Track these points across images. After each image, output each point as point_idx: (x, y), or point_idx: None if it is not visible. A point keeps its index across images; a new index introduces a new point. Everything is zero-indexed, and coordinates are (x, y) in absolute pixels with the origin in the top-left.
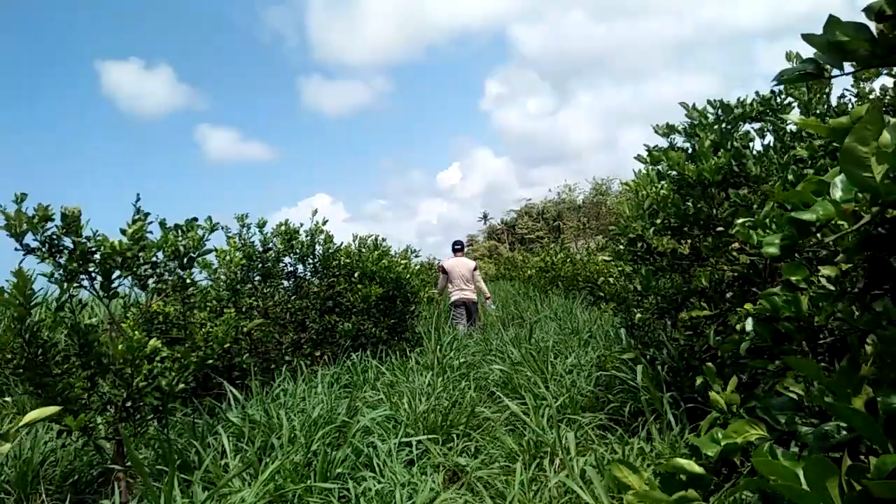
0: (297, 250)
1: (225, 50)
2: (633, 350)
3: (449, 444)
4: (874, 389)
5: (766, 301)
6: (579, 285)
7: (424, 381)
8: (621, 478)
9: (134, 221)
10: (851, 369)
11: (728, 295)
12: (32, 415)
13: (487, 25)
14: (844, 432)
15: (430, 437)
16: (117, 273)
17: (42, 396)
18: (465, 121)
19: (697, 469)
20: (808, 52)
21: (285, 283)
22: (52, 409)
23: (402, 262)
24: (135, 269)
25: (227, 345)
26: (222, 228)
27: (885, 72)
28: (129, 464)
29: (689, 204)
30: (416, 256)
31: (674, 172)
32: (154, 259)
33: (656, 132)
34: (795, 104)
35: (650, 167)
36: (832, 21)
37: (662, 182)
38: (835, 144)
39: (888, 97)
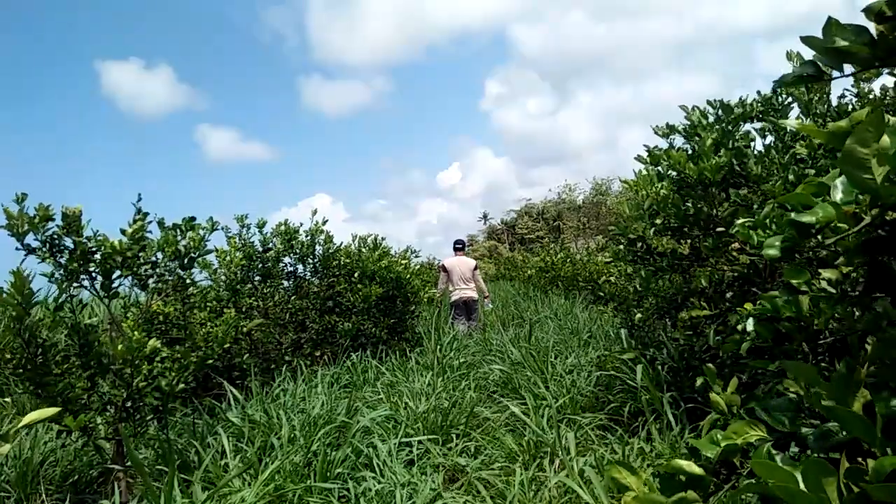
0: (297, 250)
1: (225, 50)
2: (633, 350)
3: (449, 444)
4: (872, 393)
5: (766, 302)
6: (579, 285)
7: (424, 381)
8: (620, 479)
9: (134, 221)
10: (849, 372)
11: (728, 295)
12: (32, 416)
13: (487, 25)
14: (844, 432)
15: (430, 437)
16: (118, 273)
17: (42, 396)
18: (465, 121)
19: (697, 470)
20: (808, 50)
21: (285, 283)
22: (52, 411)
23: (403, 262)
24: (135, 269)
25: (227, 345)
26: (222, 229)
27: (886, 71)
28: (129, 464)
29: (689, 204)
30: (416, 256)
31: (674, 173)
32: (154, 259)
33: (656, 133)
34: (796, 104)
35: (650, 167)
36: (831, 23)
37: (662, 182)
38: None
39: (889, 97)
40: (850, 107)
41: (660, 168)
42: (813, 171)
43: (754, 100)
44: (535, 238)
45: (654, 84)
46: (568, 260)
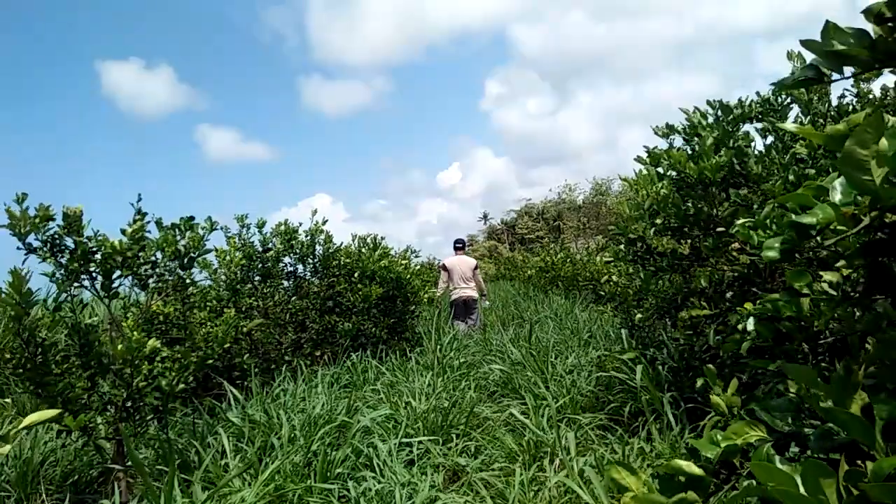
0: (297, 250)
1: (225, 50)
2: (633, 350)
3: (449, 444)
4: (870, 394)
5: (768, 303)
6: (579, 285)
7: (424, 381)
8: (619, 479)
9: (134, 221)
10: (847, 374)
11: (728, 295)
12: (32, 417)
13: (487, 25)
14: (845, 433)
15: (430, 437)
16: (118, 273)
17: (42, 396)
18: (465, 121)
19: (696, 471)
20: (807, 50)
21: (285, 283)
22: (52, 413)
23: (403, 262)
24: (135, 269)
25: (227, 345)
26: (222, 228)
27: (887, 70)
28: (129, 464)
29: (690, 204)
30: (416, 257)
31: (674, 172)
32: (154, 259)
33: (656, 133)
34: (795, 105)
35: (650, 167)
36: (830, 27)
37: (662, 182)
38: None
39: (889, 97)
40: (851, 107)
41: (660, 168)
42: (813, 171)
43: (752, 101)
44: (535, 238)
45: (654, 84)
46: (568, 260)
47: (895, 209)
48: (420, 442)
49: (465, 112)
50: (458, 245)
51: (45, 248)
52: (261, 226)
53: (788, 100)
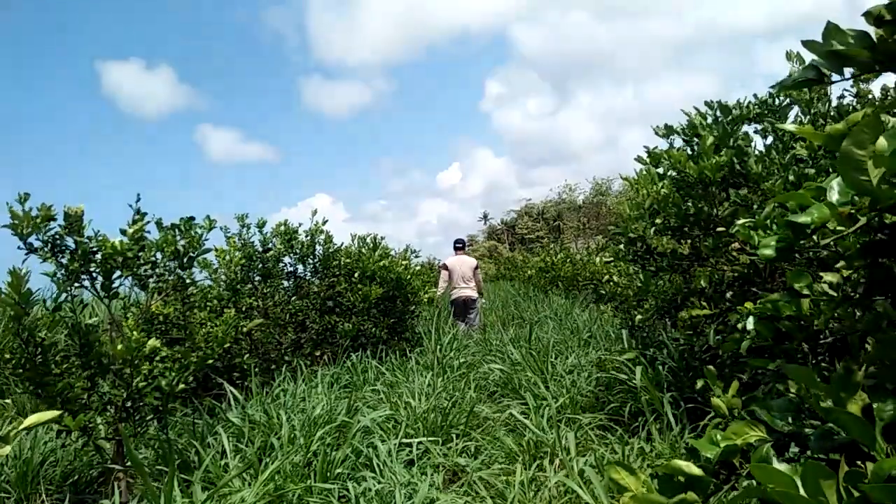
0: (297, 250)
1: (225, 50)
2: (633, 350)
3: (449, 444)
4: (870, 395)
5: (767, 303)
6: (579, 285)
7: (424, 382)
8: (619, 479)
9: (134, 222)
10: (847, 374)
11: (728, 295)
12: (33, 419)
13: (487, 25)
14: (845, 433)
15: (430, 437)
16: (118, 273)
17: (42, 396)
18: (465, 121)
19: (696, 471)
20: (807, 51)
21: (285, 283)
22: (52, 414)
23: (403, 262)
24: (135, 270)
25: (227, 345)
26: (221, 228)
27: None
28: (129, 464)
29: (690, 204)
30: (417, 257)
31: (674, 172)
32: (154, 259)
33: (657, 133)
34: (795, 105)
35: (650, 167)
36: (831, 28)
37: (663, 182)
38: None
39: (889, 97)
40: (851, 107)
41: (660, 168)
42: (813, 171)
43: (751, 101)
44: (535, 238)
45: (654, 84)
46: (568, 260)
47: (895, 209)
48: (420, 442)
49: (465, 112)
50: (458, 245)
51: (45, 249)
52: (261, 226)
53: (787, 101)
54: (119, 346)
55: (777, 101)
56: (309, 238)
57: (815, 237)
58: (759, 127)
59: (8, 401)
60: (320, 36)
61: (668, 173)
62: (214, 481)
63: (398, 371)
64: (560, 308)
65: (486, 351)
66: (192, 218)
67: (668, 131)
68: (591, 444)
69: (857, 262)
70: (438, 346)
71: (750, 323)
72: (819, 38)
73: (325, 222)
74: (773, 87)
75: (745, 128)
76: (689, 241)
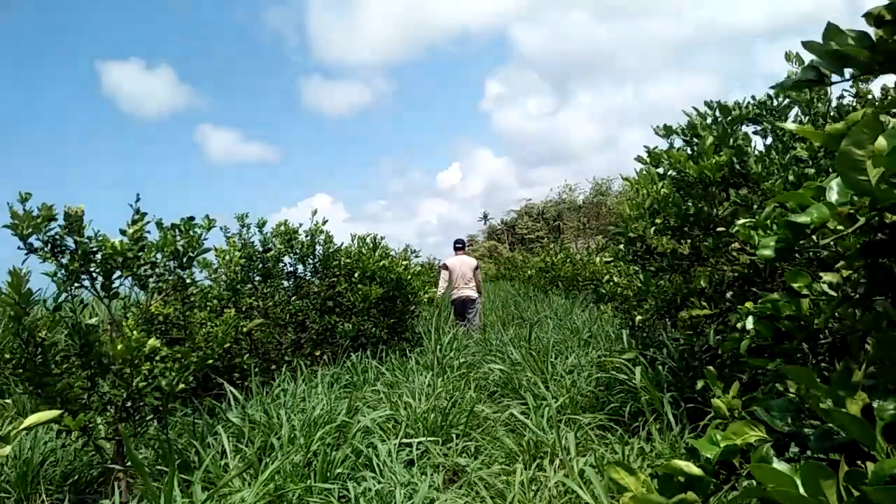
0: (297, 250)
1: (225, 50)
2: (633, 350)
3: (449, 444)
4: (870, 395)
5: (767, 303)
6: (580, 285)
7: (424, 382)
8: (619, 479)
9: (134, 222)
10: (847, 374)
11: (728, 295)
12: (33, 418)
13: (487, 25)
14: (845, 433)
15: (430, 437)
16: (118, 273)
17: (42, 396)
18: (465, 121)
19: (696, 471)
20: (807, 51)
21: (285, 283)
22: (52, 413)
23: (403, 262)
24: (135, 270)
25: (227, 345)
26: (221, 228)
27: None
28: (129, 464)
29: (690, 204)
30: (416, 256)
31: (674, 172)
32: (154, 259)
33: (657, 133)
34: (795, 105)
35: (650, 167)
36: (831, 28)
37: (663, 181)
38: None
39: (889, 97)
40: (850, 107)
41: (660, 168)
42: (813, 171)
43: (750, 102)
44: (535, 238)
45: (654, 84)
46: (568, 260)
47: (895, 209)
48: (420, 442)
49: (465, 112)
50: (458, 245)
51: (46, 249)
52: (261, 225)
53: (785, 102)
54: (119, 346)
55: (776, 102)
56: (309, 238)
57: (814, 237)
58: (759, 128)
59: (8, 401)
60: (320, 36)
61: (668, 173)
62: (214, 481)
63: (398, 371)
64: (560, 308)
65: (486, 351)
66: (192, 218)
67: (668, 131)
68: (591, 444)
69: (857, 262)
70: (438, 346)
71: (749, 322)
72: (819, 39)
73: (325, 222)
74: (773, 86)
75: (744, 128)
76: (689, 241)
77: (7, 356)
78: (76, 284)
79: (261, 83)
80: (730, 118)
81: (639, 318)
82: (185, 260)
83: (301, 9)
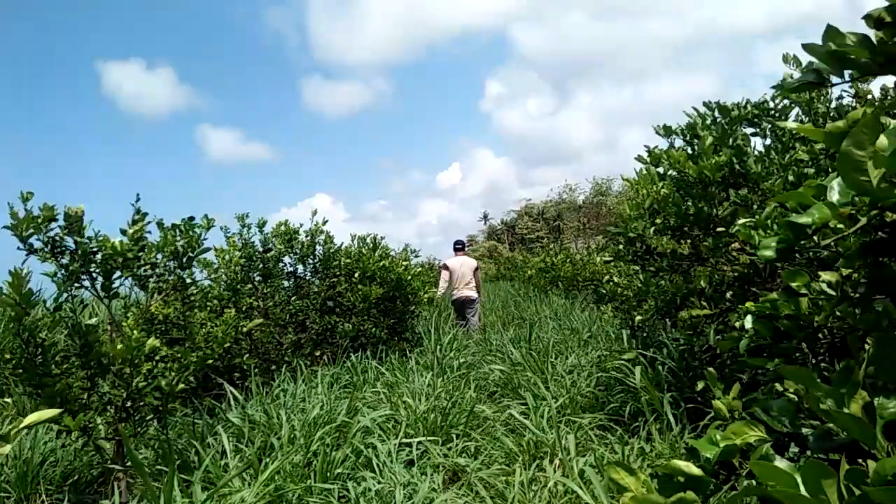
0: (298, 250)
1: (226, 50)
2: (633, 350)
3: (449, 444)
4: (871, 394)
5: (766, 303)
6: (579, 285)
7: (424, 382)
8: (618, 479)
9: (134, 222)
10: (847, 374)
11: (728, 295)
12: (32, 417)
13: (487, 25)
14: (844, 433)
15: (429, 437)
16: (118, 273)
17: (41, 396)
18: (465, 121)
19: (696, 471)
20: (805, 52)
21: (285, 283)
22: (52, 412)
23: (403, 262)
24: (135, 270)
25: (227, 345)
26: (221, 228)
27: None
28: (129, 464)
29: (690, 204)
30: (416, 256)
31: (674, 172)
32: (154, 259)
33: (657, 133)
34: (795, 106)
35: (650, 167)
36: (831, 30)
37: (663, 181)
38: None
39: (889, 97)
40: (849, 108)
41: (660, 168)
42: (813, 171)
43: (749, 102)
44: (535, 238)
45: (654, 84)
46: (568, 260)
47: (895, 208)
48: (420, 442)
49: (465, 112)
50: (457, 246)
51: (46, 249)
52: (261, 226)
53: (785, 103)
54: (119, 346)
55: (772, 104)
56: (309, 238)
57: (815, 237)
58: (758, 129)
59: (8, 400)
60: (320, 36)
61: (669, 173)
62: (214, 481)
63: (398, 371)
64: (560, 308)
65: (486, 351)
66: (192, 218)
67: (668, 132)
68: (591, 444)
69: (857, 262)
70: (438, 347)
71: (748, 321)
72: (818, 41)
73: (325, 222)
74: (774, 87)
75: (744, 129)
76: (689, 241)
77: (7, 356)
78: (76, 285)
79: (261, 83)
80: (729, 119)
81: (639, 318)
82: (184, 260)
83: (301, 9)
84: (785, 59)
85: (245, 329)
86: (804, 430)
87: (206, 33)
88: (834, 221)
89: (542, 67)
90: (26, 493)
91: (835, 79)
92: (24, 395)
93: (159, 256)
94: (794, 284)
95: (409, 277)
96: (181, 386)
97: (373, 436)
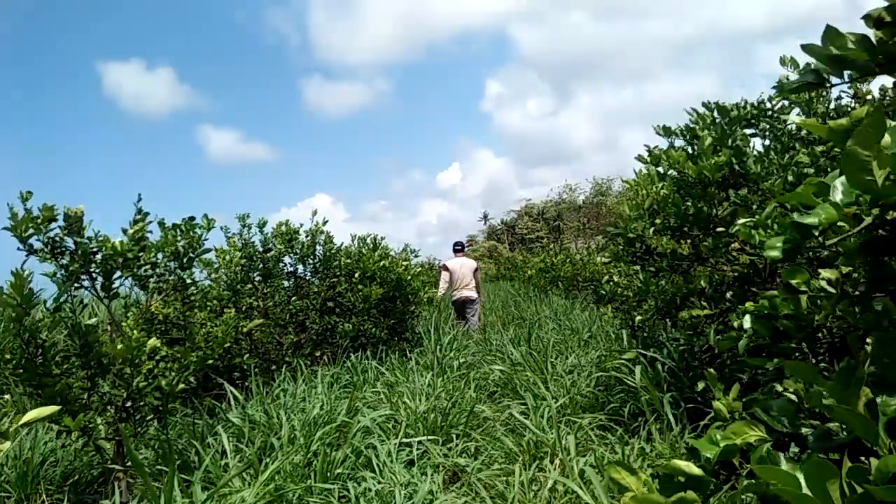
0: (298, 251)
1: (226, 51)
2: (633, 350)
3: (449, 444)
4: (874, 390)
5: (765, 301)
6: (579, 285)
7: (424, 382)
8: (619, 479)
9: (135, 222)
10: (851, 370)
11: (728, 295)
12: (31, 414)
13: (488, 25)
14: (845, 432)
15: (430, 437)
16: (118, 273)
17: (42, 397)
18: (465, 121)
19: (696, 471)
20: (803, 53)
21: (285, 283)
22: (51, 409)
23: (404, 262)
24: (135, 270)
25: (227, 345)
26: (222, 228)
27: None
28: (129, 464)
29: (689, 204)
30: (416, 256)
31: (674, 172)
32: (154, 259)
33: (657, 133)
34: (794, 107)
35: (650, 167)
36: (830, 31)
37: (663, 182)
38: (836, 150)
39: (888, 98)
40: (848, 108)
41: (660, 168)
42: (812, 171)
43: (748, 103)
44: (535, 238)
45: (654, 84)
46: (568, 260)
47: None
48: (420, 442)
49: (465, 112)
50: (457, 248)
51: (45, 250)
52: (262, 226)
53: (783, 103)
54: (119, 346)
55: (772, 104)
56: (309, 238)
57: (819, 237)
58: (757, 129)
59: (7, 396)
60: (321, 36)
61: (668, 173)
62: (214, 481)
63: (398, 371)
64: (560, 308)
65: (486, 351)
66: (193, 218)
67: (668, 132)
68: (591, 444)
69: (858, 259)
70: (438, 347)
71: (746, 321)
72: (818, 41)
73: (325, 222)
74: (774, 87)
75: (743, 130)
76: (688, 241)
77: (7, 356)
78: (76, 285)
79: (262, 84)
80: (728, 119)
81: (638, 318)
82: (185, 261)
83: (302, 9)
84: (782, 61)
85: (245, 329)
86: (804, 430)
87: (206, 33)
88: (838, 221)
89: (543, 67)
90: (26, 493)
91: (834, 79)
92: (24, 395)
93: (160, 256)
94: (793, 282)
95: (409, 277)
96: (181, 386)
97: (373, 436)
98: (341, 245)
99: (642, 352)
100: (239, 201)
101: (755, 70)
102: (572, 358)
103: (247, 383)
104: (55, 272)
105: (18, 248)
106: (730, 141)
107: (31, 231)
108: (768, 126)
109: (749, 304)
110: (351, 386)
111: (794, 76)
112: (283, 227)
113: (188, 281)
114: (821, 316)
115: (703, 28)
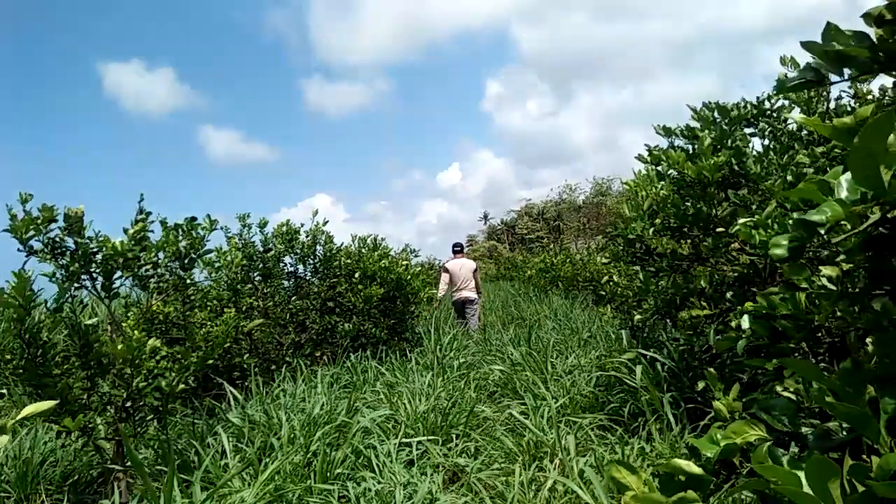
0: (298, 251)
1: (227, 51)
2: (633, 350)
3: (449, 444)
4: (876, 388)
5: (764, 300)
6: (579, 285)
7: (424, 382)
8: (619, 479)
9: (136, 221)
10: (854, 369)
11: (728, 295)
12: (30, 409)
13: (488, 25)
14: (845, 432)
15: (429, 437)
16: (118, 273)
17: (42, 397)
18: (465, 121)
19: (696, 470)
20: (803, 54)
21: (286, 283)
22: (48, 404)
23: (403, 262)
24: (136, 270)
25: (227, 345)
26: (222, 229)
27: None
28: (129, 464)
29: (689, 204)
30: (416, 256)
31: (674, 172)
32: (155, 259)
33: (657, 133)
34: (795, 106)
35: (650, 167)
36: (830, 28)
37: (662, 182)
38: (837, 150)
39: (888, 97)
40: (848, 107)
41: (660, 168)
42: (812, 171)
43: (748, 103)
44: (535, 238)
45: (654, 84)
46: (568, 260)
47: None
48: (419, 442)
49: (465, 113)
50: (456, 249)
51: (45, 250)
52: (262, 226)
53: (783, 103)
54: (119, 346)
55: (770, 103)
56: (310, 238)
57: (824, 235)
58: (757, 129)
59: (3, 390)
60: (321, 37)
61: (668, 173)
62: (214, 481)
63: (398, 371)
64: (560, 308)
65: (486, 351)
66: (195, 218)
67: (668, 132)
68: (591, 444)
69: (858, 257)
70: (438, 347)
71: (745, 321)
72: (818, 39)
73: (325, 223)
74: (774, 86)
75: (743, 130)
76: (688, 241)
77: (8, 357)
78: (76, 285)
79: (262, 84)
80: (728, 119)
81: (638, 317)
82: (187, 261)
83: (302, 9)
84: (782, 61)
85: (245, 329)
86: (804, 430)
87: (206, 33)
88: (844, 219)
89: (543, 67)
90: (26, 493)
91: (834, 77)
92: (24, 395)
93: (161, 256)
94: (795, 279)
95: (409, 277)
96: (181, 386)
97: (372, 436)
98: (341, 245)
99: (642, 352)
100: (239, 201)
101: (755, 70)
102: (572, 358)
103: (247, 383)
104: (55, 272)
105: (19, 250)
106: (729, 141)
107: (31, 232)
108: (768, 126)
109: (748, 305)
110: (351, 386)
111: (794, 75)
112: (284, 227)
113: (189, 281)
114: (820, 316)
115: (703, 28)
